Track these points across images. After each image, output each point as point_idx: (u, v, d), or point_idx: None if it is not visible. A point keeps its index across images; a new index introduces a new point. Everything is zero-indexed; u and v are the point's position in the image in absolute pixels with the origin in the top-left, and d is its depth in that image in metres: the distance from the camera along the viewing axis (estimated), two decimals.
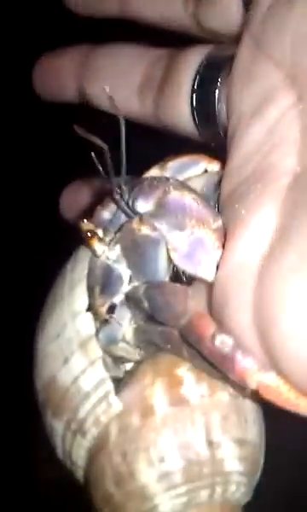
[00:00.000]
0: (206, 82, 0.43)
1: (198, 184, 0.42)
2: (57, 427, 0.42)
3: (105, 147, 0.36)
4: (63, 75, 0.52)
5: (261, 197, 0.33)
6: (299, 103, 0.34)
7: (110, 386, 0.40)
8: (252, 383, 0.32)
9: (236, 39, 0.39)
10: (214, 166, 0.43)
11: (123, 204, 0.38)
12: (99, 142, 0.36)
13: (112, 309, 0.39)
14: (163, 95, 0.46)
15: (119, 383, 0.40)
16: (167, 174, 0.42)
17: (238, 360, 0.32)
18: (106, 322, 0.40)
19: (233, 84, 0.38)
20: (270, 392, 0.32)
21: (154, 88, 0.47)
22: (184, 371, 0.40)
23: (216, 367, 0.35)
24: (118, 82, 0.48)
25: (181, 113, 0.45)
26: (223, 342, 0.33)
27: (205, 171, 0.43)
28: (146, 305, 0.36)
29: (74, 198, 0.55)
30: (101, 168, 0.37)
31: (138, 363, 0.40)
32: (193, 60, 0.45)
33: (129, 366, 0.42)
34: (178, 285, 0.37)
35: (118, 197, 0.38)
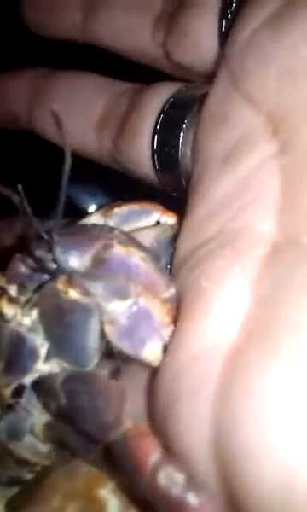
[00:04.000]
0: (170, 123, 0.38)
1: (147, 237, 0.36)
2: None
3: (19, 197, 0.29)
4: (12, 98, 0.46)
5: (230, 268, 0.27)
6: (282, 155, 0.28)
7: None
8: None
9: (211, 78, 0.34)
10: (168, 219, 0.37)
11: (48, 255, 0.31)
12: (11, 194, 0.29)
13: (19, 392, 0.31)
14: (122, 134, 0.41)
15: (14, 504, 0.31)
16: (111, 223, 0.36)
17: (191, 509, 0.23)
18: (9, 408, 0.31)
19: (202, 126, 0.33)
20: None
21: (114, 125, 0.42)
22: (108, 493, 0.30)
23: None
24: (75, 113, 0.42)
25: (140, 156, 0.40)
26: (170, 478, 0.24)
27: (158, 223, 0.37)
28: (63, 402, 0.28)
29: None
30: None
31: (45, 472, 0.31)
32: (158, 97, 0.40)
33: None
34: (113, 382, 0.29)
35: (41, 245, 0.31)
